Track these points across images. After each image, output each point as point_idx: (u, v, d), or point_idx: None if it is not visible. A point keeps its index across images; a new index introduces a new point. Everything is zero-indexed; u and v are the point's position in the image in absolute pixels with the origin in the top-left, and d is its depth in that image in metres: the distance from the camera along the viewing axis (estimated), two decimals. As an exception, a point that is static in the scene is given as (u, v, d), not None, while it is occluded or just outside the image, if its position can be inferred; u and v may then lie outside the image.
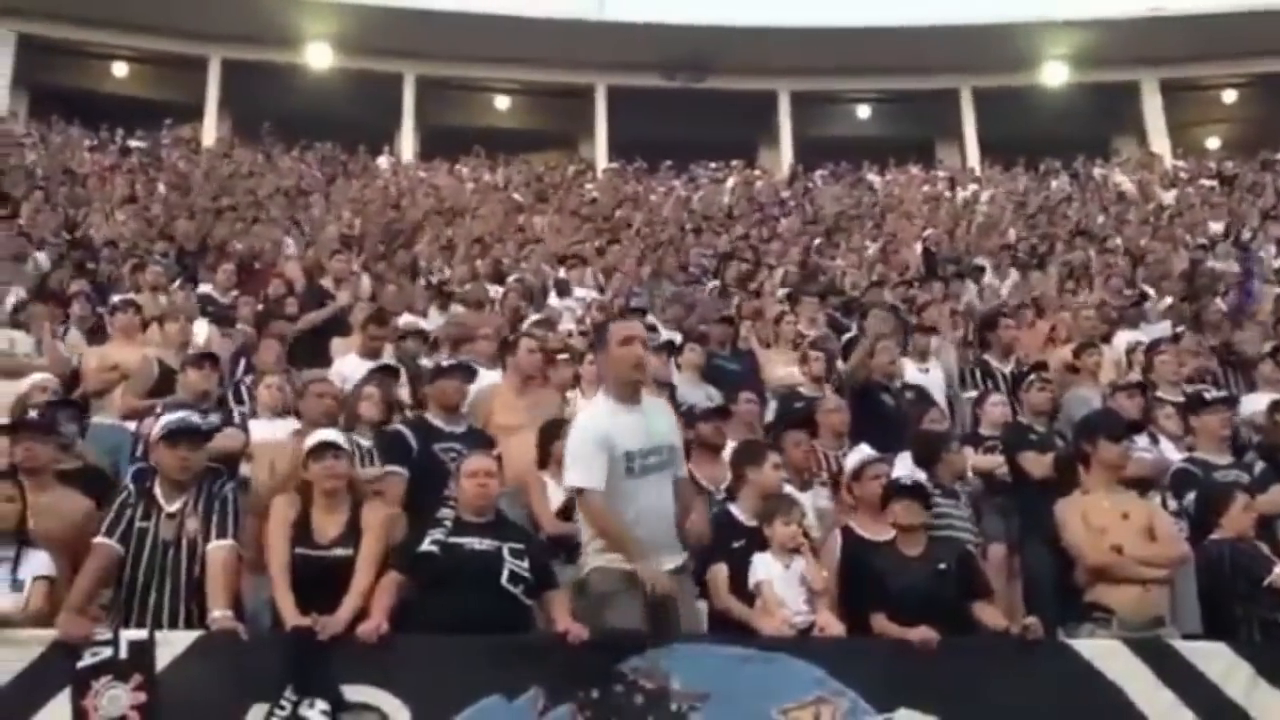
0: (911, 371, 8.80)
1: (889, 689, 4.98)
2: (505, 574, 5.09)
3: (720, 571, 5.53)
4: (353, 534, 5.17)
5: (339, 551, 5.12)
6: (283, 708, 4.55)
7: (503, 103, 29.42)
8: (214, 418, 6.40)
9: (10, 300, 9.07)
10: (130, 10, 24.30)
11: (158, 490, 5.14)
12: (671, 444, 5.09)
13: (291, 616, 4.86)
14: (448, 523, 5.27)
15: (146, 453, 5.98)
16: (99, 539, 5.00)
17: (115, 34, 25.61)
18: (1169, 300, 11.79)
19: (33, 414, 6.01)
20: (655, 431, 5.02)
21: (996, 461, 7.46)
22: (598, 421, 5.00)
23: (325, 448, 5.32)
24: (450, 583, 5.01)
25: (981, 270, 13.68)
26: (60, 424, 6.12)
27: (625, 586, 4.85)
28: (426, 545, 5.14)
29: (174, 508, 5.09)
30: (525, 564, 5.16)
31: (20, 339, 8.02)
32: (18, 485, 5.12)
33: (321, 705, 4.58)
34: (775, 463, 6.08)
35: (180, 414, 5.57)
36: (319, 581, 5.01)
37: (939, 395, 8.67)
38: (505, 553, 5.14)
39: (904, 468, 6.54)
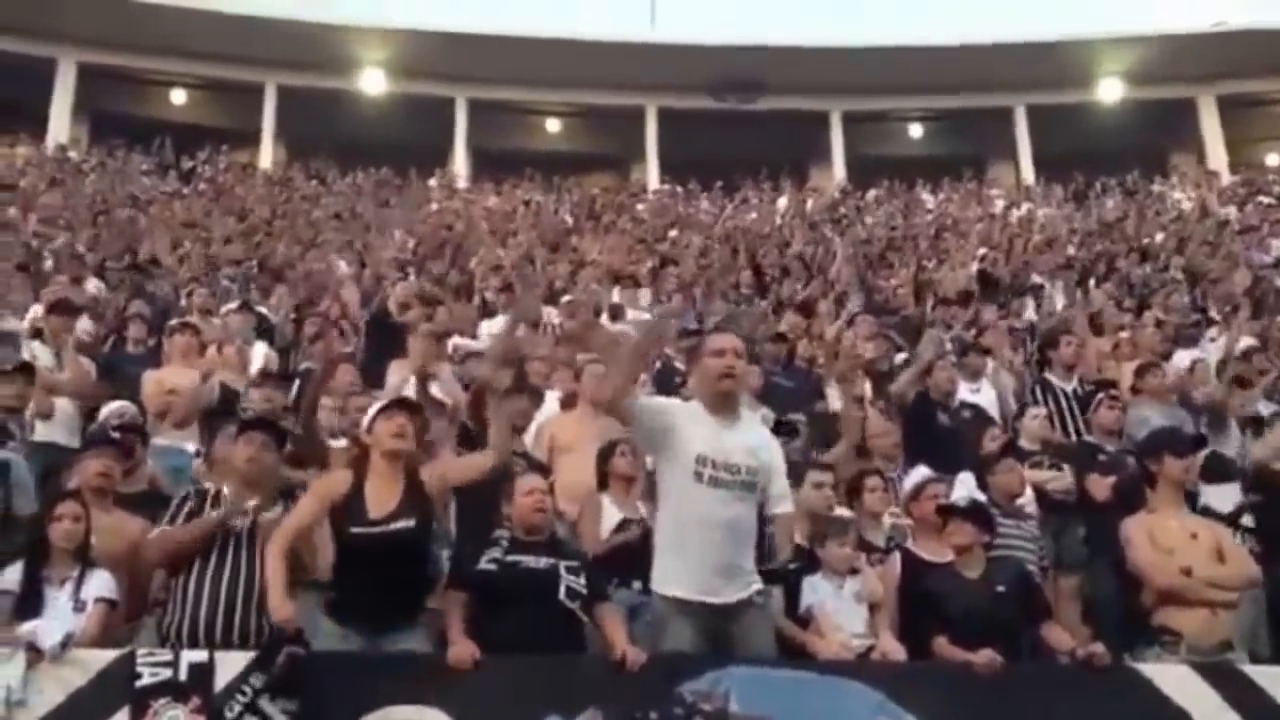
0: (962, 391, 8.70)
1: (950, 713, 4.88)
2: (562, 590, 5.10)
3: (775, 594, 5.44)
4: (413, 504, 4.95)
5: (399, 524, 4.90)
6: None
7: (554, 125, 29.59)
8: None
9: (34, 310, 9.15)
10: (188, 38, 24.69)
11: (227, 490, 5.10)
12: (756, 467, 4.86)
13: (279, 599, 4.63)
14: (504, 542, 5.27)
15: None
16: (156, 530, 5.04)
17: (173, 61, 26.06)
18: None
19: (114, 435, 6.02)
20: (741, 450, 4.84)
21: (1045, 477, 7.35)
22: (680, 409, 4.95)
23: (398, 406, 5.16)
24: (508, 600, 5.01)
25: (1040, 288, 13.52)
26: (134, 447, 6.18)
27: (680, 612, 4.77)
28: (484, 564, 5.14)
29: (247, 505, 5.05)
30: (581, 579, 5.17)
31: (40, 351, 8.04)
32: (83, 505, 5.14)
33: None
34: (816, 482, 6.00)
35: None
36: (379, 560, 4.85)
37: (992, 414, 8.57)
38: (561, 569, 5.16)
39: (964, 488, 6.45)
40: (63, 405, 7.46)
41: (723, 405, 4.92)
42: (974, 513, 5.71)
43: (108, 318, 9.99)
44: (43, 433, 7.30)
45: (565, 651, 5.00)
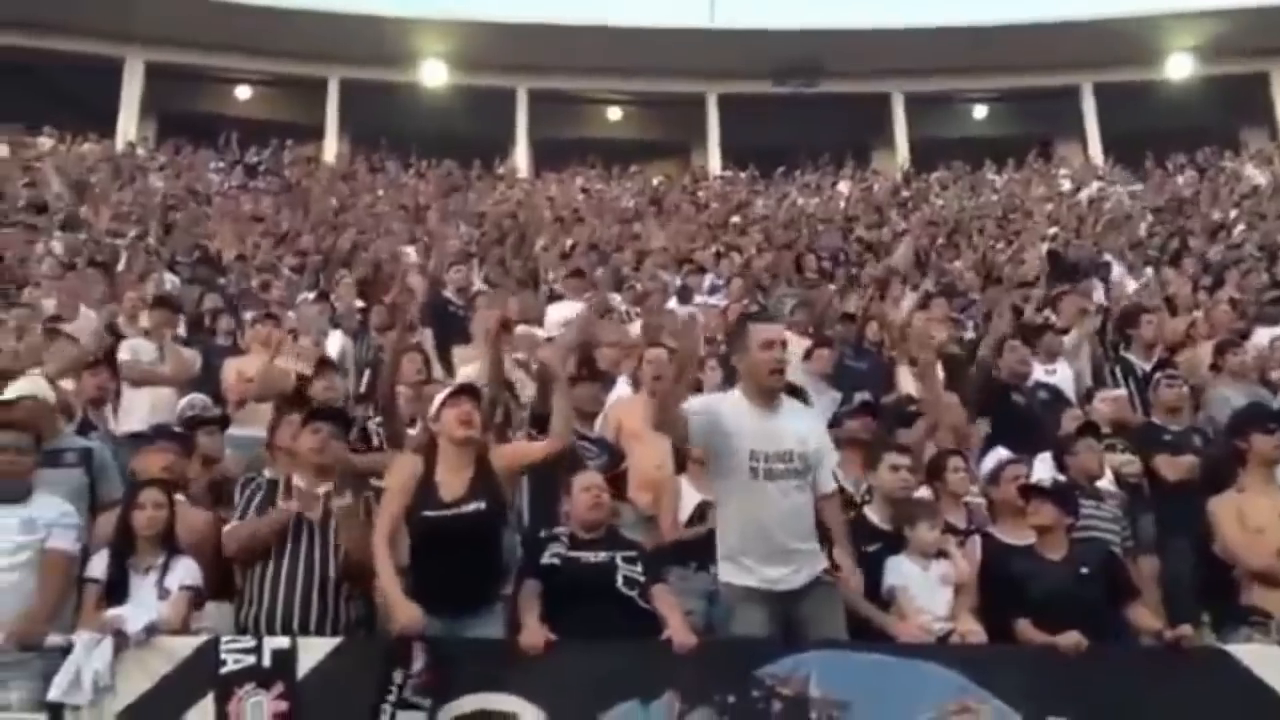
0: (1038, 372, 8.56)
1: (1035, 696, 4.81)
2: (620, 579, 5.12)
3: (855, 576, 5.39)
4: (483, 487, 4.92)
5: (470, 506, 4.87)
6: (390, 691, 4.53)
7: (615, 114, 29.62)
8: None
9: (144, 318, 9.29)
10: (252, 35, 24.99)
11: (297, 478, 5.12)
12: (806, 452, 4.88)
13: (401, 603, 4.64)
14: (564, 538, 5.30)
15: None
16: (230, 525, 5.07)
17: (238, 58, 26.41)
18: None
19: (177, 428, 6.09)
20: (790, 436, 4.85)
21: (1119, 460, 7.21)
22: (725, 408, 4.91)
23: (464, 393, 5.14)
24: (569, 595, 5.02)
25: (1109, 268, 13.30)
26: (200, 439, 6.25)
27: (750, 598, 4.76)
28: (547, 560, 5.17)
29: (318, 492, 5.07)
30: (638, 568, 5.19)
31: (144, 347, 8.15)
32: (167, 493, 5.19)
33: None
34: (892, 464, 5.87)
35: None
36: (452, 543, 4.84)
37: (1068, 395, 8.45)
38: (618, 560, 5.18)
39: (1043, 469, 6.35)
40: (164, 395, 7.55)
41: (768, 396, 4.91)
42: (1057, 494, 5.61)
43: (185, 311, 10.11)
44: (139, 423, 7.38)
45: (628, 638, 5.00)
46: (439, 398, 5.14)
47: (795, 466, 4.83)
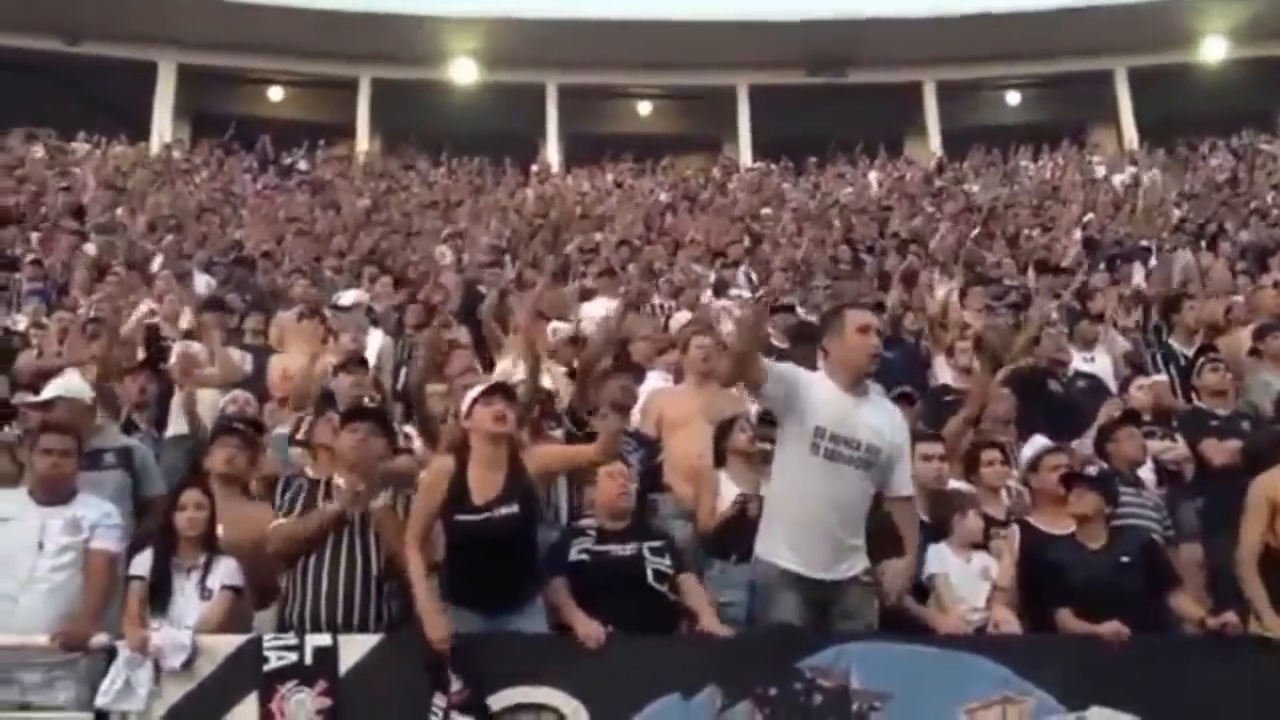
0: (1076, 360, 8.50)
1: (1079, 686, 4.79)
2: (650, 573, 5.13)
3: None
4: (516, 490, 4.90)
5: (503, 511, 4.85)
6: (435, 714, 4.56)
7: (645, 108, 29.63)
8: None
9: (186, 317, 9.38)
10: (283, 36, 25.13)
11: (338, 479, 5.11)
12: (879, 446, 4.79)
13: (431, 607, 4.71)
14: (591, 531, 5.30)
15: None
16: (276, 522, 5.08)
17: (270, 59, 26.63)
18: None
19: (239, 425, 6.12)
20: (865, 426, 4.77)
21: (1159, 447, 7.14)
22: (808, 377, 4.88)
23: (496, 391, 5.10)
24: (599, 589, 5.02)
25: (1148, 252, 13.19)
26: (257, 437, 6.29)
27: (785, 583, 4.73)
28: (575, 555, 5.17)
29: (358, 490, 5.05)
30: (666, 560, 5.20)
31: (195, 349, 8.17)
32: (206, 493, 5.22)
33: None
34: (925, 454, 5.83)
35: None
36: (485, 546, 4.84)
37: (1108, 383, 8.38)
38: (646, 552, 5.18)
39: (1031, 449, 6.30)
40: (214, 397, 7.63)
41: (856, 383, 4.86)
42: (1099, 482, 5.57)
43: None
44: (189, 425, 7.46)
45: (659, 632, 5.01)
46: (471, 395, 5.11)
47: (862, 456, 4.75)
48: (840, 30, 25.34)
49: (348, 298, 9.82)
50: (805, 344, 6.40)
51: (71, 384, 6.19)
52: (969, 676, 4.78)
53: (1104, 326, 9.20)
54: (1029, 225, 15.87)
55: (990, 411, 7.18)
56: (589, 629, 4.79)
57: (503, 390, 5.14)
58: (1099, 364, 8.62)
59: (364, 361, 7.82)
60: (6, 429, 6.09)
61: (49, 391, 6.08)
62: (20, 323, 9.31)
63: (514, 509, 4.87)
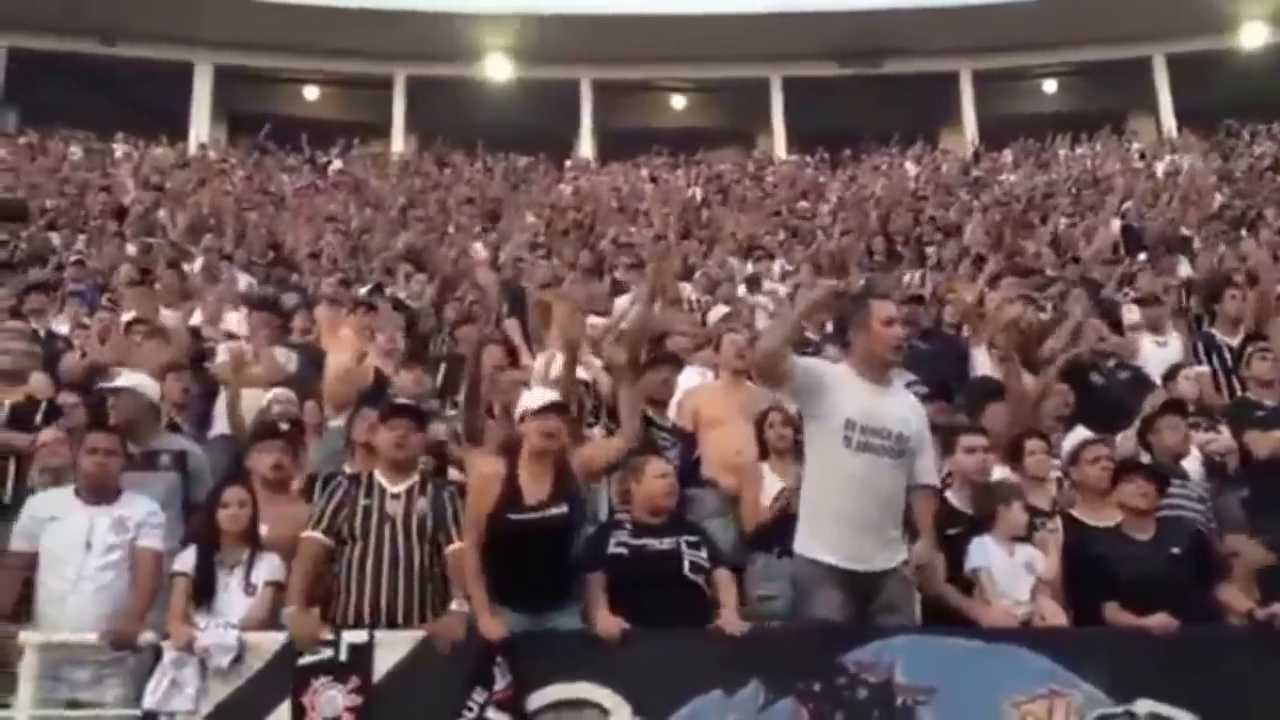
0: (1148, 346, 8.43)
1: (1126, 679, 4.75)
2: (686, 565, 5.13)
3: (936, 559, 5.33)
4: (564, 491, 5.04)
5: (553, 511, 4.98)
6: (470, 709, 4.57)
7: (679, 102, 29.62)
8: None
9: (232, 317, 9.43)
10: (318, 35, 25.27)
11: (378, 474, 5.14)
12: (906, 434, 4.81)
13: (486, 609, 4.76)
14: (628, 525, 5.31)
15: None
16: (305, 533, 5.02)
17: (305, 59, 26.80)
18: None
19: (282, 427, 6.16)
20: (891, 415, 4.79)
21: (1203, 439, 7.05)
22: (832, 370, 4.90)
23: (552, 409, 5.13)
24: (636, 582, 5.02)
25: (1189, 241, 13.04)
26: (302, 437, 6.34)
27: (826, 578, 4.72)
28: (613, 548, 5.17)
29: (399, 489, 5.07)
30: (702, 553, 5.21)
31: (240, 348, 8.22)
32: (249, 490, 5.27)
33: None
34: (968, 446, 5.80)
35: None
36: (533, 544, 4.92)
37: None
38: (683, 546, 5.19)
39: (1125, 450, 6.25)
40: (259, 397, 7.68)
41: (880, 373, 4.86)
42: (1155, 472, 5.51)
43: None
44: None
45: (695, 625, 4.99)
46: (525, 406, 5.16)
47: (892, 445, 4.76)
48: (874, 20, 25.21)
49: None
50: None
51: (142, 380, 6.28)
52: (1014, 670, 4.75)
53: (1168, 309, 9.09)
54: (1067, 214, 15.72)
55: (1045, 406, 7.13)
56: (608, 624, 4.81)
57: (559, 409, 5.18)
58: (1172, 348, 8.53)
59: (423, 358, 7.84)
60: (52, 428, 6.13)
61: (123, 379, 6.16)
62: (63, 324, 9.38)
63: (563, 509, 4.99)
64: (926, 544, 4.92)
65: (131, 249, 12.97)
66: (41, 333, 8.46)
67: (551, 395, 5.30)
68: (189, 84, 26.42)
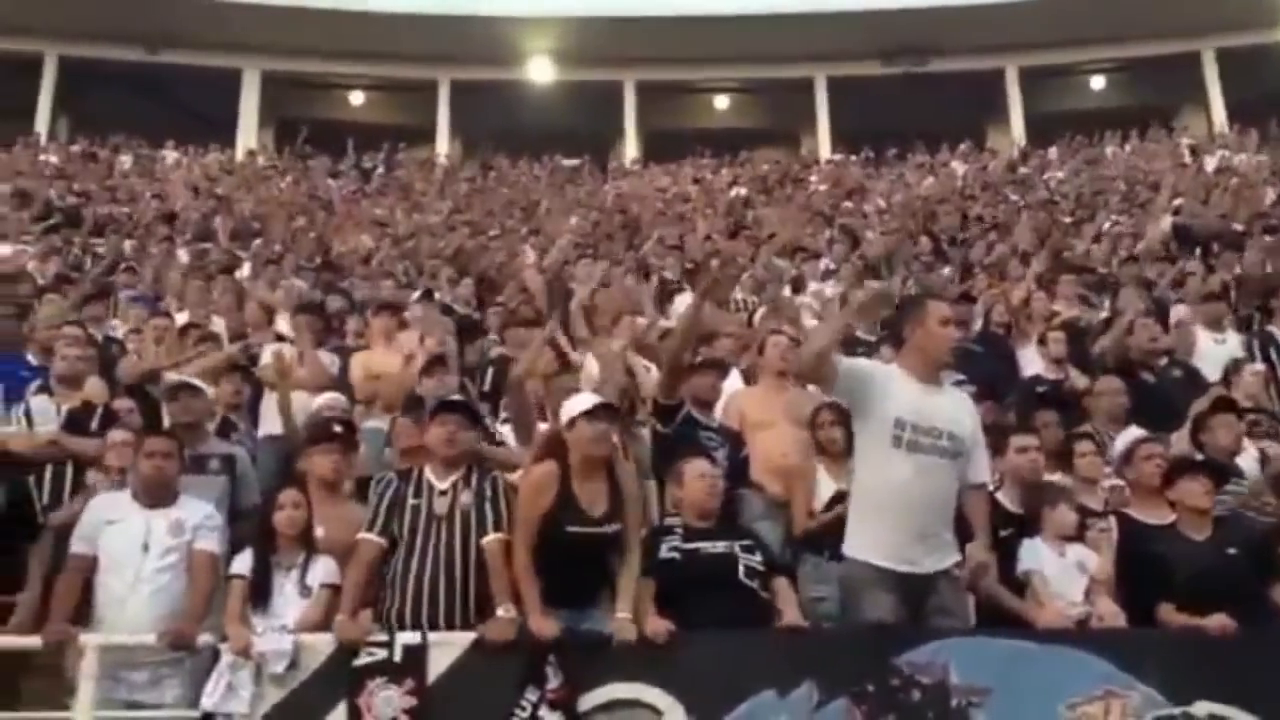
0: (1206, 343, 8.35)
1: (1184, 681, 4.70)
2: (741, 570, 5.09)
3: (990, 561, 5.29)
4: (619, 505, 5.03)
5: (610, 528, 4.98)
6: (523, 708, 4.58)
7: (722, 102, 29.55)
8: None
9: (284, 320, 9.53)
10: (364, 41, 25.40)
11: (428, 472, 5.16)
12: (958, 434, 4.78)
13: (538, 609, 4.77)
14: (679, 529, 5.28)
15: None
16: (361, 534, 5.05)
17: (351, 64, 26.93)
18: None
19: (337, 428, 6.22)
20: (942, 415, 4.77)
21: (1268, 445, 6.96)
22: (881, 370, 4.89)
23: (602, 411, 5.10)
24: (691, 587, 5.00)
25: (1243, 237, 12.88)
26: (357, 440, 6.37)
27: (877, 580, 4.70)
28: (665, 553, 5.15)
29: (445, 484, 5.09)
30: (757, 557, 5.18)
31: (286, 351, 8.28)
32: (304, 493, 5.31)
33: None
34: (1020, 446, 5.76)
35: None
36: (586, 554, 4.94)
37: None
38: (738, 550, 5.16)
39: (1179, 449, 6.18)
40: (302, 399, 7.75)
41: (932, 373, 4.84)
42: (1213, 469, 5.45)
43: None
44: (281, 426, 7.59)
45: (751, 628, 5.00)
46: (574, 409, 5.13)
47: (944, 445, 4.74)
48: (918, 18, 25.03)
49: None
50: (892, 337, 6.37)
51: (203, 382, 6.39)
52: (1070, 671, 4.71)
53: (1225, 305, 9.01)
54: (1117, 212, 15.57)
55: (1099, 406, 7.07)
56: (653, 625, 4.78)
57: (608, 411, 5.16)
58: (1230, 344, 8.44)
59: (445, 361, 7.90)
60: (110, 433, 6.22)
61: (188, 372, 6.25)
62: (119, 329, 9.51)
63: (617, 527, 4.99)
64: (981, 545, 4.88)
65: (183, 255, 13.13)
66: (99, 337, 8.56)
67: (599, 398, 5.30)
68: (237, 90, 26.67)
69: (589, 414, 5.05)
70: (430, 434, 5.29)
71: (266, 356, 8.18)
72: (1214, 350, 8.35)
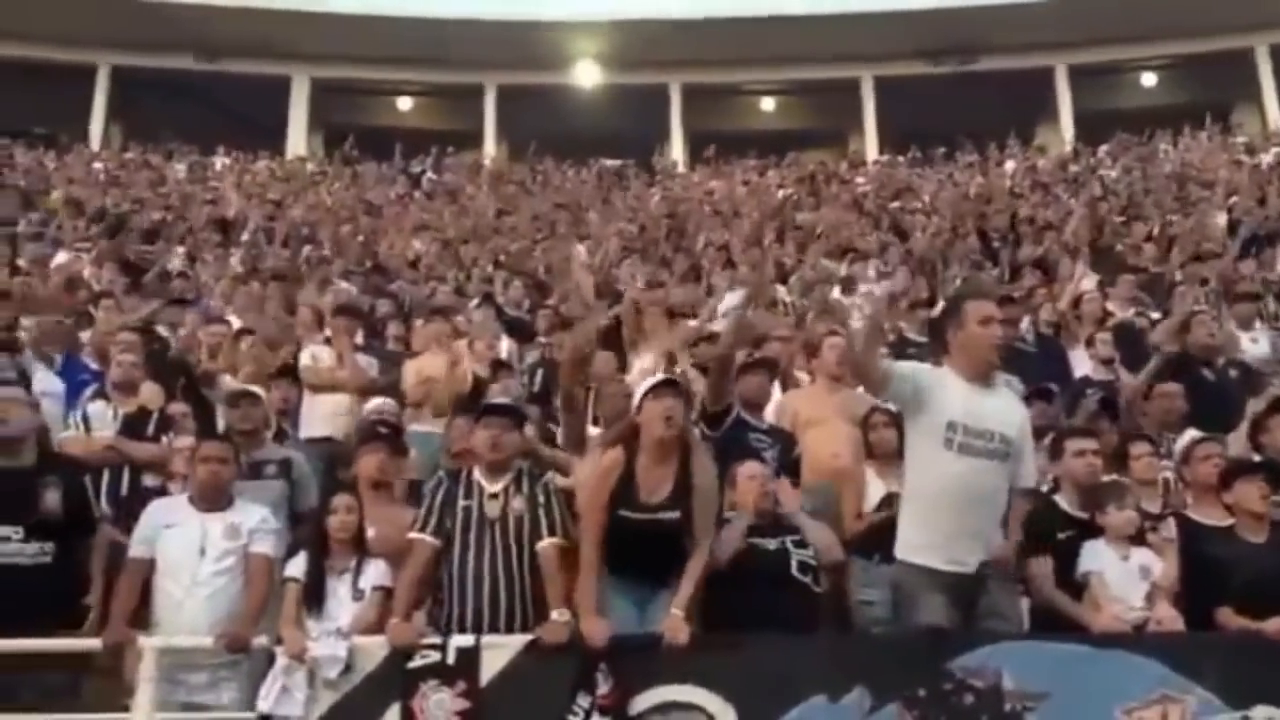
0: (1242, 340, 8.23)
1: (1242, 685, 4.64)
2: (794, 564, 5.12)
3: (1045, 564, 5.23)
4: (682, 495, 4.96)
5: (667, 515, 4.95)
6: (575, 713, 4.59)
7: (769, 104, 29.51)
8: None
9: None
10: (411, 47, 25.59)
11: (477, 473, 5.17)
12: (1009, 436, 4.76)
13: (592, 611, 4.78)
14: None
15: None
16: (413, 534, 5.08)
17: (398, 70, 27.15)
18: None
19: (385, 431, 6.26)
20: (994, 417, 4.75)
21: None
22: (933, 373, 4.86)
23: (667, 386, 5.10)
24: (745, 581, 5.02)
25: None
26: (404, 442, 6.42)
27: (929, 582, 4.68)
28: None
29: (496, 488, 5.10)
30: (809, 552, 5.20)
31: (324, 353, 8.38)
32: (356, 497, 5.36)
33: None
34: (1077, 449, 5.64)
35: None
36: (640, 542, 4.92)
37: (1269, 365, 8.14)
38: (789, 545, 5.19)
39: (1237, 448, 6.10)
40: (343, 401, 7.82)
41: (981, 374, 4.81)
42: (1270, 470, 5.38)
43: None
44: (320, 428, 7.65)
45: (803, 624, 5.01)
46: (642, 389, 5.14)
47: (995, 448, 4.72)
48: (966, 17, 24.88)
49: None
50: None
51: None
52: (1126, 675, 4.66)
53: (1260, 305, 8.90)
54: (1170, 210, 15.38)
55: (1156, 409, 6.99)
56: (675, 628, 4.75)
57: (673, 386, 5.15)
58: (1263, 343, 8.32)
59: (509, 365, 7.96)
60: (175, 440, 6.31)
61: (242, 380, 6.33)
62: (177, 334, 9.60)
63: (675, 515, 4.95)
64: (1008, 543, 4.87)
65: (235, 261, 13.27)
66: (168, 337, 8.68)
67: (663, 375, 5.30)
68: (286, 97, 26.96)
69: (654, 391, 5.05)
70: (476, 438, 5.32)
71: (306, 359, 8.27)
72: (1249, 350, 8.23)
